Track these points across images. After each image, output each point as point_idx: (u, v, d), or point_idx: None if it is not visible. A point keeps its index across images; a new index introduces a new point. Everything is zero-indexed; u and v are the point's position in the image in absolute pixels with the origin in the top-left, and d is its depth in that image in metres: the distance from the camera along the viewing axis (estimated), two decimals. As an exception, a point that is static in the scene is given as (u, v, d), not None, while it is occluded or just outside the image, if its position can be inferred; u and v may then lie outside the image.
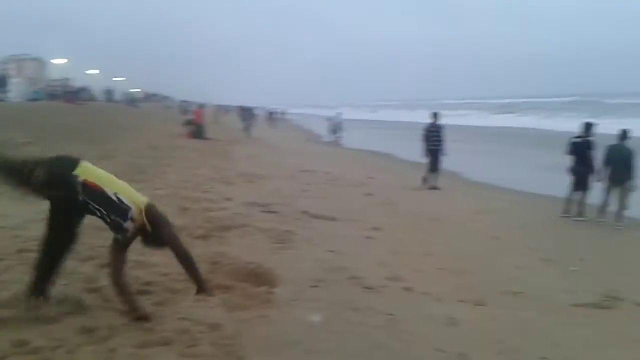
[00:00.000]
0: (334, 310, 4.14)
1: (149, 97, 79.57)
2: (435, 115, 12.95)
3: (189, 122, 22.47)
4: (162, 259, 4.86)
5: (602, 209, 9.41)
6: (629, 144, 9.38)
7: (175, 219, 6.54)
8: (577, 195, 9.70)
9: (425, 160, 12.81)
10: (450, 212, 9.84)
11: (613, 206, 9.29)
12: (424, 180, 12.63)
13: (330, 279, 4.98)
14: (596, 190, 9.55)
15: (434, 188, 12.33)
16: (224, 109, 59.88)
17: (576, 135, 9.89)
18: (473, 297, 5.03)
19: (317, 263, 5.48)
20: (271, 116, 46.30)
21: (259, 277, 4.66)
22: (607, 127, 14.46)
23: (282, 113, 61.81)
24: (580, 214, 9.62)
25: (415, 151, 13.48)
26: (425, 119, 13.58)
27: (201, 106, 25.94)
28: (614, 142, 9.50)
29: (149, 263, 4.69)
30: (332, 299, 4.43)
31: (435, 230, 8.21)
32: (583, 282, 5.85)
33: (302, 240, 6.38)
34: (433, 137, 12.66)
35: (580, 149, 9.66)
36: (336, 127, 27.61)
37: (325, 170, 13.73)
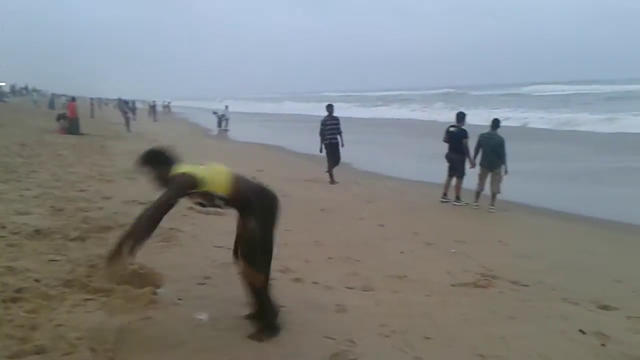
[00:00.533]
0: (222, 307, 4.04)
1: (18, 91, 73.65)
2: (330, 107, 12.65)
3: (61, 117, 20.98)
4: (34, 265, 4.50)
5: (477, 193, 10.06)
6: (500, 132, 10.07)
7: (48, 221, 6.09)
8: (454, 181, 10.33)
9: (324, 154, 12.48)
10: (340, 202, 10.02)
11: (487, 190, 9.94)
12: (331, 178, 12.41)
13: (218, 275, 4.86)
14: (472, 175, 10.18)
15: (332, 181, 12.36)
16: (100, 102, 56.61)
17: (452, 124, 10.49)
18: (361, 283, 5.15)
19: (204, 260, 5.34)
20: (153, 109, 44.05)
21: (142, 278, 4.41)
22: (473, 118, 15.49)
23: (166, 106, 59.48)
24: (458, 198, 10.24)
25: (305, 144, 13.44)
26: (311, 110, 13.51)
27: (74, 99, 24.25)
28: (486, 130, 10.14)
29: (20, 268, 4.35)
30: (220, 295, 4.32)
31: (326, 220, 8.31)
32: (462, 263, 6.19)
33: (188, 237, 6.19)
34: (329, 131, 12.43)
35: (456, 137, 10.25)
36: (223, 119, 27.21)
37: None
